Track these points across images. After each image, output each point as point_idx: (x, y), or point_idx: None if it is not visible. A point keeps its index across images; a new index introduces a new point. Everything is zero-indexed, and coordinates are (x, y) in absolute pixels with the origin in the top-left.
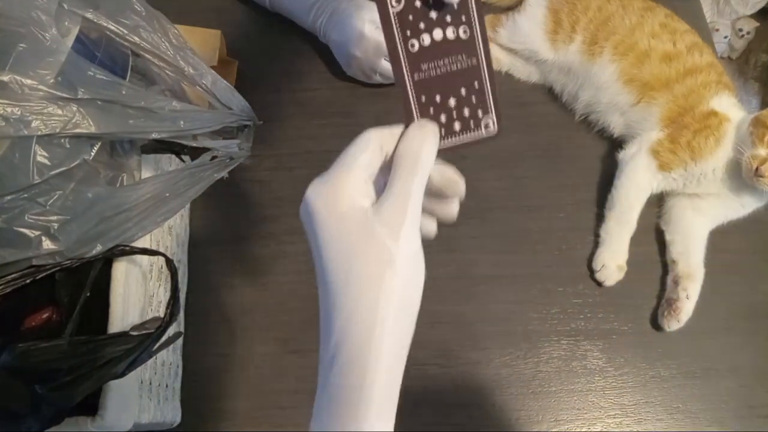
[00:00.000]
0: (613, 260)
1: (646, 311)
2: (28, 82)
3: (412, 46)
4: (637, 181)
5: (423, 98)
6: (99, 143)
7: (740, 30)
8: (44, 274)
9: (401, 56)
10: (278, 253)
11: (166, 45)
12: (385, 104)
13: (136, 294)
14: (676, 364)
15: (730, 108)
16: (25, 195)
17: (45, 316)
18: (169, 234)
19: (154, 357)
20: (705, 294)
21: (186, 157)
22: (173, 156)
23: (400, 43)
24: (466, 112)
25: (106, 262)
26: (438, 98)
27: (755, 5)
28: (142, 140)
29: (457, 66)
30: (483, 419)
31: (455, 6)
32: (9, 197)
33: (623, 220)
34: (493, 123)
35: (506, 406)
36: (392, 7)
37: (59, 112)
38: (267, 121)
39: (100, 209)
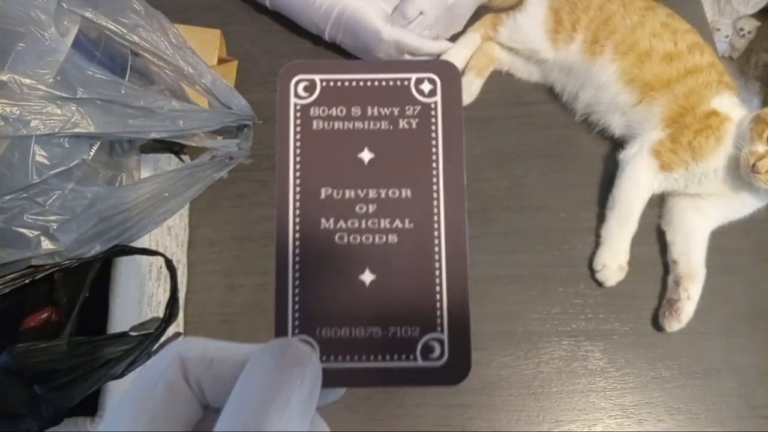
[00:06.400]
0: (614, 260)
1: (647, 312)
2: (27, 81)
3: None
4: (639, 181)
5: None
6: (98, 143)
7: (741, 29)
8: (43, 274)
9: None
10: None
11: (165, 44)
12: None
13: (135, 294)
14: (677, 364)
15: (732, 107)
16: (24, 195)
17: (44, 316)
18: (169, 234)
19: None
20: (705, 294)
21: (185, 157)
22: (172, 156)
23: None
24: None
25: (105, 262)
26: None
27: (756, 5)
28: (141, 140)
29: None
30: (483, 420)
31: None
32: (8, 197)
33: (624, 221)
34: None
35: (507, 406)
36: (297, 97)
37: (58, 111)
38: (267, 121)
39: (99, 209)
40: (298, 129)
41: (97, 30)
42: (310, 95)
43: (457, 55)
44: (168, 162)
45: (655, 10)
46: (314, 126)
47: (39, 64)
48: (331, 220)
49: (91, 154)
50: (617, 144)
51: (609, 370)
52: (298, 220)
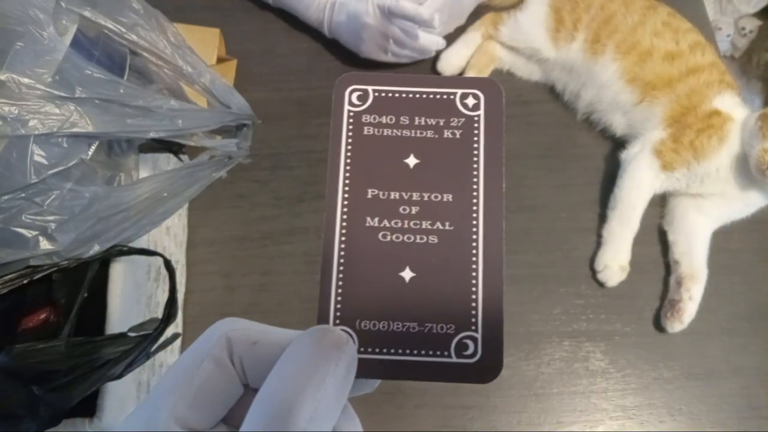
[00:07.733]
0: (615, 261)
1: (649, 312)
2: (26, 80)
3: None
4: (640, 180)
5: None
6: (96, 142)
7: (743, 29)
8: (41, 274)
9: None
10: (277, 253)
11: (164, 43)
12: None
13: (133, 295)
14: (679, 365)
15: (733, 107)
16: (22, 195)
17: (42, 316)
18: (167, 234)
19: (152, 358)
20: (707, 294)
21: (184, 157)
22: (171, 155)
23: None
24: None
25: (103, 262)
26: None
27: (758, 4)
28: (139, 139)
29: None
30: (484, 421)
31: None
32: (6, 197)
33: (626, 221)
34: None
35: (508, 408)
36: (350, 105)
37: (56, 111)
38: (266, 120)
39: (97, 209)
40: (350, 134)
41: (95, 29)
42: (363, 104)
43: (458, 53)
44: (167, 162)
45: (656, 9)
46: (365, 131)
47: (37, 63)
48: (376, 219)
49: (90, 153)
50: (619, 143)
51: (610, 371)
52: (345, 217)
